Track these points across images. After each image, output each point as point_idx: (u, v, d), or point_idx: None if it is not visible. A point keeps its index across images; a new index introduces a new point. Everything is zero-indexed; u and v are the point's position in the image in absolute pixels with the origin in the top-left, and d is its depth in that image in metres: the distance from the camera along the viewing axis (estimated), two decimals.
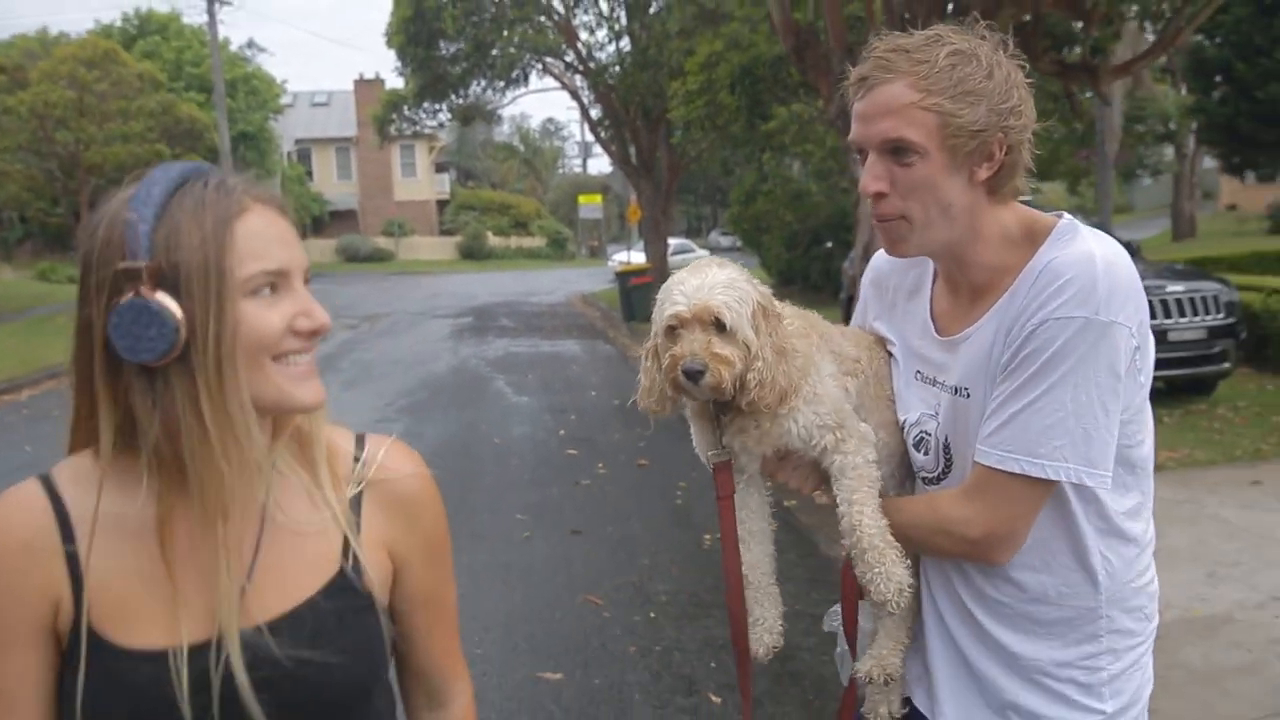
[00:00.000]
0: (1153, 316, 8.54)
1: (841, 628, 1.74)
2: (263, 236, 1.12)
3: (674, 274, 1.61)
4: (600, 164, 70.03)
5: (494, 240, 53.09)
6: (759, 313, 1.57)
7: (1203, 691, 4.00)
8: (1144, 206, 50.98)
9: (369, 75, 50.31)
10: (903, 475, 1.74)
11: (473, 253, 51.35)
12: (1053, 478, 1.47)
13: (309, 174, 51.84)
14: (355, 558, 1.22)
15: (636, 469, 8.19)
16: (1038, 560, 1.56)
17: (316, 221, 50.46)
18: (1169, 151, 33.74)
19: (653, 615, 5.09)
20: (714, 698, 4.16)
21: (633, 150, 24.21)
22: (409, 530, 1.28)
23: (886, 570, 1.54)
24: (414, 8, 20.84)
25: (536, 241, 55.08)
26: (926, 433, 1.67)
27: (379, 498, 1.27)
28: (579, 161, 73.01)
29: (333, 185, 52.53)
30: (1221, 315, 9.13)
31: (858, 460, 1.60)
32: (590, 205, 37.30)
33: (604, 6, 23.15)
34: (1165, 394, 9.51)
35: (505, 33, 22.29)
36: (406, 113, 25.14)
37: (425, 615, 1.32)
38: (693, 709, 4.10)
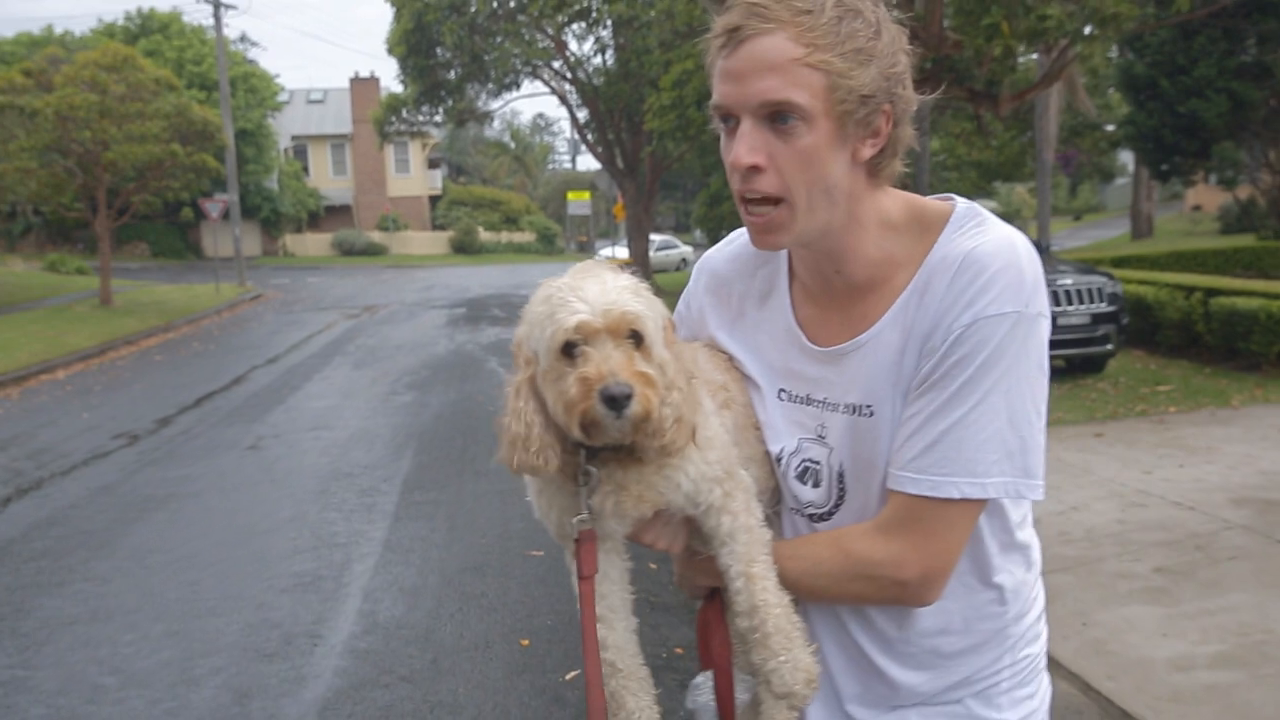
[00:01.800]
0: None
1: (712, 705, 1.51)
2: None
3: (549, 285, 1.31)
4: (589, 161, 71.35)
5: (485, 235, 54.54)
6: (669, 328, 1.30)
7: None
8: (1115, 207, 53.15)
9: (362, 73, 52.34)
10: (771, 515, 1.48)
11: (464, 247, 52.87)
12: (994, 496, 1.30)
13: (305, 170, 53.40)
14: None
15: None
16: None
17: (312, 216, 52.07)
18: (1127, 155, 35.62)
19: None
20: (651, 565, 5.81)
21: (617, 152, 25.89)
22: None
23: (794, 658, 1.32)
24: (415, 20, 22.50)
25: (526, 236, 56.54)
26: (813, 461, 1.43)
27: None
28: (568, 158, 74.67)
29: (328, 180, 54.11)
30: (1105, 304, 10.82)
31: (750, 521, 1.35)
32: (579, 202, 39.06)
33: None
34: (1063, 372, 11.22)
35: (500, 41, 23.94)
36: (405, 115, 26.75)
37: None
38: (638, 571, 5.75)
